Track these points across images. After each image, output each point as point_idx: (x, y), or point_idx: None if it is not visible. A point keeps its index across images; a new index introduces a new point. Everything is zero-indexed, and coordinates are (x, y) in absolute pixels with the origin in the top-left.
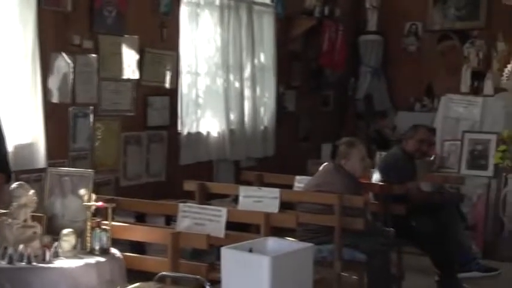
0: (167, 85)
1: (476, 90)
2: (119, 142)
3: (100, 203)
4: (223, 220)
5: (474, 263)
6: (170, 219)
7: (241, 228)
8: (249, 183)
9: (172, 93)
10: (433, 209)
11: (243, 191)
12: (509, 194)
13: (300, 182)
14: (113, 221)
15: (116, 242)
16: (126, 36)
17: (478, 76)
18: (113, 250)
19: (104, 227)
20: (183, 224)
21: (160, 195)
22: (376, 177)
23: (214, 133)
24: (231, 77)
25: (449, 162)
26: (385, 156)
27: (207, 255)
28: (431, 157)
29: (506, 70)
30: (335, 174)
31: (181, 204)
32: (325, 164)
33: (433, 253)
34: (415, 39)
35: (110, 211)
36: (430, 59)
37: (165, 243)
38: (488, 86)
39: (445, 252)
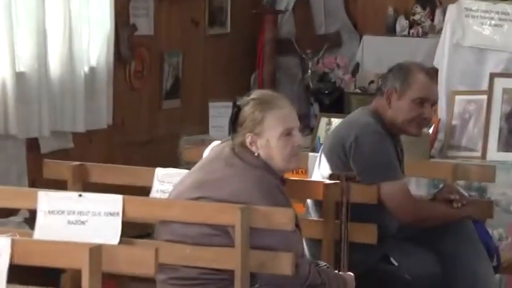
0: None
1: None
2: None
3: None
4: (3, 262)
5: None
6: None
7: (44, 277)
8: (59, 186)
9: None
10: (433, 232)
11: (48, 202)
12: None
13: (164, 181)
14: None
15: None
16: None
17: None
18: None
19: None
20: None
21: None
22: (319, 169)
23: None
24: None
25: (465, 139)
26: (341, 128)
27: None
28: (429, 128)
29: None
30: (234, 166)
31: None
32: (215, 143)
33: None
34: None
35: None
36: None
37: None
38: None
39: None
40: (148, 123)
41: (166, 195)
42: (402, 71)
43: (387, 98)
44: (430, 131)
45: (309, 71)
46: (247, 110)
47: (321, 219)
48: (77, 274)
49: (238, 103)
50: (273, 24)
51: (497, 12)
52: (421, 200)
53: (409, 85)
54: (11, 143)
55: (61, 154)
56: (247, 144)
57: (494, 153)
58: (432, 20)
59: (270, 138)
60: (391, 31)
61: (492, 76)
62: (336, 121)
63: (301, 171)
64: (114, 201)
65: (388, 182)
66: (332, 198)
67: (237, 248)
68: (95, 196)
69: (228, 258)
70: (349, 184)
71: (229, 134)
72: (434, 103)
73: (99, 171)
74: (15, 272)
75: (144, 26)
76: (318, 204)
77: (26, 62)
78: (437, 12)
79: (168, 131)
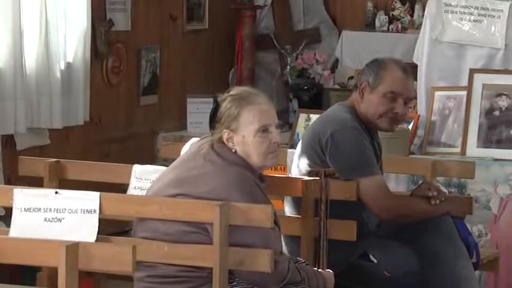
0: None
1: None
2: None
3: None
4: None
5: None
6: None
7: (19, 275)
8: (35, 183)
9: None
10: (412, 229)
11: (23, 199)
12: None
13: (141, 178)
14: None
15: None
16: None
17: None
18: None
19: None
20: None
21: None
22: (297, 166)
23: None
24: None
25: (445, 135)
26: (317, 124)
27: None
28: (408, 124)
29: None
30: (213, 163)
31: None
32: (193, 140)
33: None
34: None
35: None
36: None
37: None
38: None
39: None
40: (125, 119)
41: (143, 192)
42: (376, 65)
43: (360, 92)
44: (410, 127)
45: (288, 67)
46: (224, 106)
47: (300, 216)
48: (53, 272)
49: (216, 98)
50: (252, 19)
51: (477, 8)
52: (398, 196)
53: (382, 79)
54: None
55: (37, 151)
56: (225, 140)
57: (473, 150)
58: (411, 15)
59: (245, 134)
60: (370, 26)
61: (472, 72)
62: (314, 117)
63: (280, 168)
64: (91, 199)
65: (365, 178)
66: (311, 195)
67: (215, 245)
68: (72, 193)
69: (206, 256)
70: (328, 181)
71: (210, 131)
72: (407, 99)
73: (75, 168)
74: None
75: (121, 21)
76: (297, 201)
77: (1, 58)
78: (417, 7)
79: (145, 127)
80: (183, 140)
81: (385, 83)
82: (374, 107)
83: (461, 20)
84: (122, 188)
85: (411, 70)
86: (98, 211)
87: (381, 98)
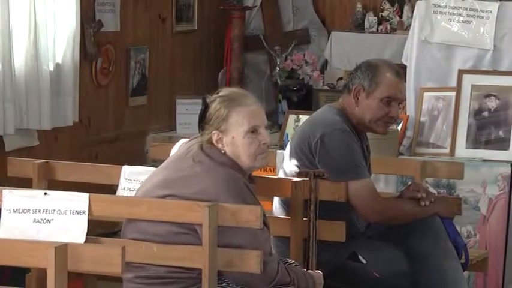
0: None
1: None
2: None
3: None
4: None
5: None
6: None
7: (9, 275)
8: (24, 184)
9: None
10: (401, 229)
11: (12, 200)
12: None
13: (130, 179)
14: None
15: None
16: None
17: None
18: None
19: None
20: None
21: None
22: (285, 167)
23: None
24: None
25: (434, 136)
26: (307, 126)
27: None
28: (397, 125)
29: None
30: (202, 164)
31: None
32: (182, 141)
33: None
34: None
35: None
36: None
37: None
38: None
39: None
40: (114, 120)
41: (133, 193)
42: (370, 69)
43: (355, 96)
44: (399, 128)
45: (277, 68)
46: (213, 107)
47: (289, 217)
48: (42, 273)
49: (205, 99)
50: (241, 20)
51: (466, 9)
52: (387, 198)
53: (377, 84)
54: None
55: (26, 152)
56: (214, 141)
57: (462, 150)
58: (400, 16)
59: (235, 135)
60: (359, 27)
61: (461, 73)
62: (304, 118)
63: (270, 169)
64: (80, 200)
65: (354, 181)
66: (300, 196)
67: (204, 246)
68: (61, 194)
69: (195, 257)
70: (317, 182)
71: (199, 132)
72: (401, 102)
73: (64, 169)
74: None
75: (110, 22)
76: (286, 201)
77: None
78: (406, 8)
79: (134, 128)
80: (172, 141)
81: (381, 88)
82: (371, 111)
83: (450, 21)
84: (111, 189)
85: (403, 71)
86: (87, 212)
87: (378, 103)
